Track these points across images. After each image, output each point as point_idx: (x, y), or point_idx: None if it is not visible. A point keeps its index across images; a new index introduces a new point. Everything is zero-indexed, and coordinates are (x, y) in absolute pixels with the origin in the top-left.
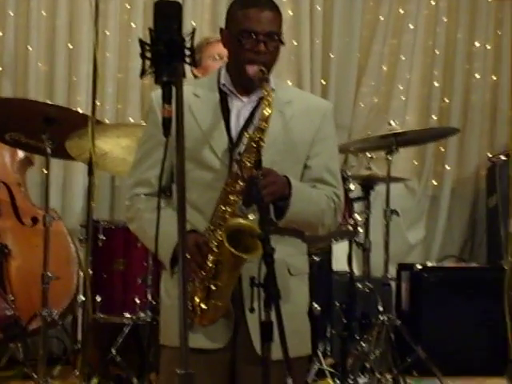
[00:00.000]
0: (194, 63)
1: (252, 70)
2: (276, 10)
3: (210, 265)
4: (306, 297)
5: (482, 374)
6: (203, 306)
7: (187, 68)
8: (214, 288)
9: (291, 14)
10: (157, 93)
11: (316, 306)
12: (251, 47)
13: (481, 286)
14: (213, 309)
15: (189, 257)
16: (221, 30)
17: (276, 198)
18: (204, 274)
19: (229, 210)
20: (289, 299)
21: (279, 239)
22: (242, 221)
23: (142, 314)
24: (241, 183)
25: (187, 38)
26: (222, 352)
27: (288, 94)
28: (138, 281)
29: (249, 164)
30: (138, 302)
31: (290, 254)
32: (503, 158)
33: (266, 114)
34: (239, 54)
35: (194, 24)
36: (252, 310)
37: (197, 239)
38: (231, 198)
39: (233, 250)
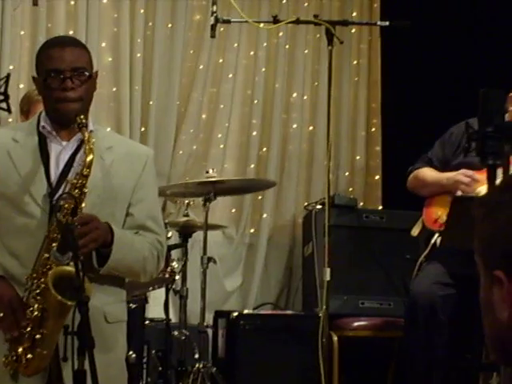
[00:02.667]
0: (8, 109)
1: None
2: (80, 47)
3: (36, 313)
4: (124, 345)
5: None
6: (29, 355)
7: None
8: (39, 336)
9: (110, 59)
10: None
11: (131, 353)
12: (58, 86)
13: (296, 333)
14: (38, 358)
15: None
16: (33, 78)
17: (98, 245)
18: (26, 324)
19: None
20: (105, 347)
21: (98, 287)
22: (67, 268)
23: None
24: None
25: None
26: None
27: (108, 139)
28: None
29: (67, 208)
30: None
31: (108, 302)
32: (319, 206)
33: (89, 159)
34: (49, 96)
35: (12, 67)
36: (65, 358)
37: (11, 299)
38: (53, 245)
39: (59, 296)
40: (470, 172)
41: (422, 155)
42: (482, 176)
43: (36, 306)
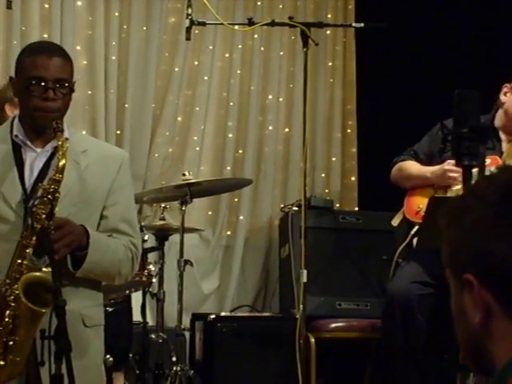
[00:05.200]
0: None
1: (42, 117)
2: (66, 57)
3: (7, 319)
4: (101, 348)
5: None
6: (1, 362)
7: None
8: (11, 343)
9: (85, 63)
10: None
11: (108, 357)
12: (39, 94)
13: (273, 335)
14: (11, 364)
15: None
16: (10, 78)
17: (73, 249)
18: (1, 329)
19: (25, 263)
20: (83, 351)
21: (75, 290)
22: (37, 274)
23: None
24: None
25: None
26: None
27: (83, 143)
28: None
29: (43, 216)
30: None
31: (86, 306)
32: (295, 208)
33: (61, 164)
34: (28, 102)
35: None
36: (42, 363)
37: None
38: (27, 251)
39: (29, 304)
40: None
41: (408, 148)
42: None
43: (8, 312)
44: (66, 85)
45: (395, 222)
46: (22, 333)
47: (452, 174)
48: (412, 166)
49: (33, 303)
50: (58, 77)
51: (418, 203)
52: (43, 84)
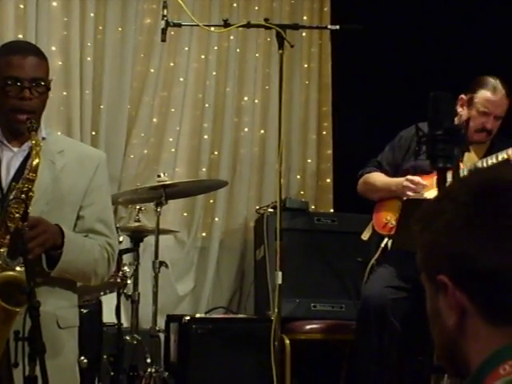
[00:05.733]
0: None
1: (19, 118)
2: (41, 56)
3: None
4: (75, 350)
5: None
6: None
7: None
8: None
9: (60, 63)
10: None
11: (83, 358)
12: (15, 94)
13: (249, 337)
14: None
15: None
16: None
17: (48, 248)
18: None
19: None
20: (57, 352)
21: (50, 291)
22: (11, 273)
23: None
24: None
25: None
26: None
27: (60, 143)
28: None
29: (17, 215)
30: None
31: (61, 307)
32: (270, 210)
33: (35, 163)
34: (4, 102)
35: None
36: (16, 364)
37: None
38: (1, 250)
39: (3, 303)
40: (416, 178)
41: (372, 159)
42: (430, 180)
43: None
44: (42, 83)
45: (365, 236)
46: None
47: (410, 186)
48: (377, 178)
49: (6, 303)
50: (33, 76)
51: (386, 216)
52: (19, 84)
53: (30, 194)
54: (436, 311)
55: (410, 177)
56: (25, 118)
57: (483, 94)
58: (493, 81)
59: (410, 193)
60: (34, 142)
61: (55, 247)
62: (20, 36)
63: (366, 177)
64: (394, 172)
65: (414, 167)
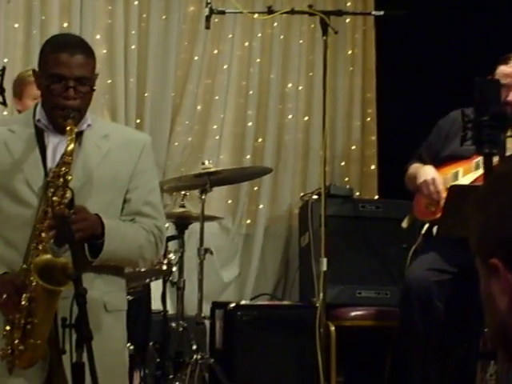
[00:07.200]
0: (4, 102)
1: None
2: (88, 54)
3: (23, 302)
4: (124, 334)
5: None
6: (21, 347)
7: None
8: (29, 327)
9: (105, 52)
10: None
11: (129, 345)
12: (60, 92)
13: (293, 324)
14: (31, 349)
15: (5, 296)
16: (33, 71)
17: (88, 236)
18: (19, 315)
19: (40, 247)
20: (104, 336)
21: (97, 277)
22: (51, 257)
23: None
24: (49, 220)
25: None
26: None
27: (104, 128)
28: None
29: (58, 199)
30: None
31: (108, 291)
32: (315, 196)
33: (69, 148)
34: (49, 99)
35: (6, 60)
36: (64, 351)
37: (13, 279)
38: (43, 235)
39: (44, 283)
40: (431, 187)
41: (417, 151)
42: (468, 165)
43: (24, 295)
44: (88, 84)
45: (405, 223)
46: (39, 315)
47: (424, 191)
48: (411, 170)
49: (48, 284)
50: (78, 75)
51: (424, 202)
52: (64, 82)
53: (67, 177)
54: (489, 295)
55: (428, 180)
56: (68, 117)
57: (499, 69)
58: (510, 55)
59: (431, 188)
60: (68, 128)
61: (95, 237)
62: (65, 25)
63: (408, 170)
64: (433, 162)
65: (450, 156)
